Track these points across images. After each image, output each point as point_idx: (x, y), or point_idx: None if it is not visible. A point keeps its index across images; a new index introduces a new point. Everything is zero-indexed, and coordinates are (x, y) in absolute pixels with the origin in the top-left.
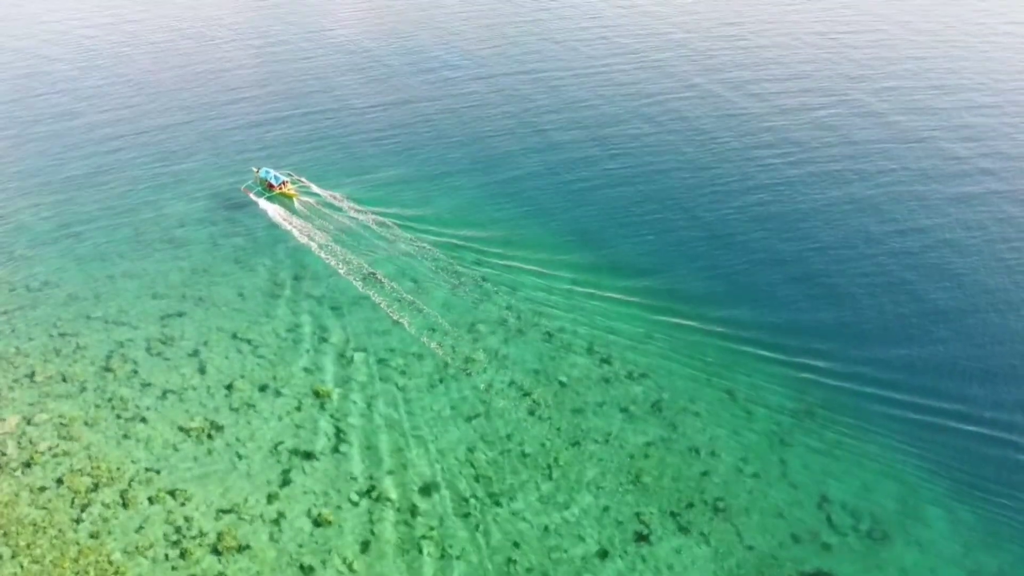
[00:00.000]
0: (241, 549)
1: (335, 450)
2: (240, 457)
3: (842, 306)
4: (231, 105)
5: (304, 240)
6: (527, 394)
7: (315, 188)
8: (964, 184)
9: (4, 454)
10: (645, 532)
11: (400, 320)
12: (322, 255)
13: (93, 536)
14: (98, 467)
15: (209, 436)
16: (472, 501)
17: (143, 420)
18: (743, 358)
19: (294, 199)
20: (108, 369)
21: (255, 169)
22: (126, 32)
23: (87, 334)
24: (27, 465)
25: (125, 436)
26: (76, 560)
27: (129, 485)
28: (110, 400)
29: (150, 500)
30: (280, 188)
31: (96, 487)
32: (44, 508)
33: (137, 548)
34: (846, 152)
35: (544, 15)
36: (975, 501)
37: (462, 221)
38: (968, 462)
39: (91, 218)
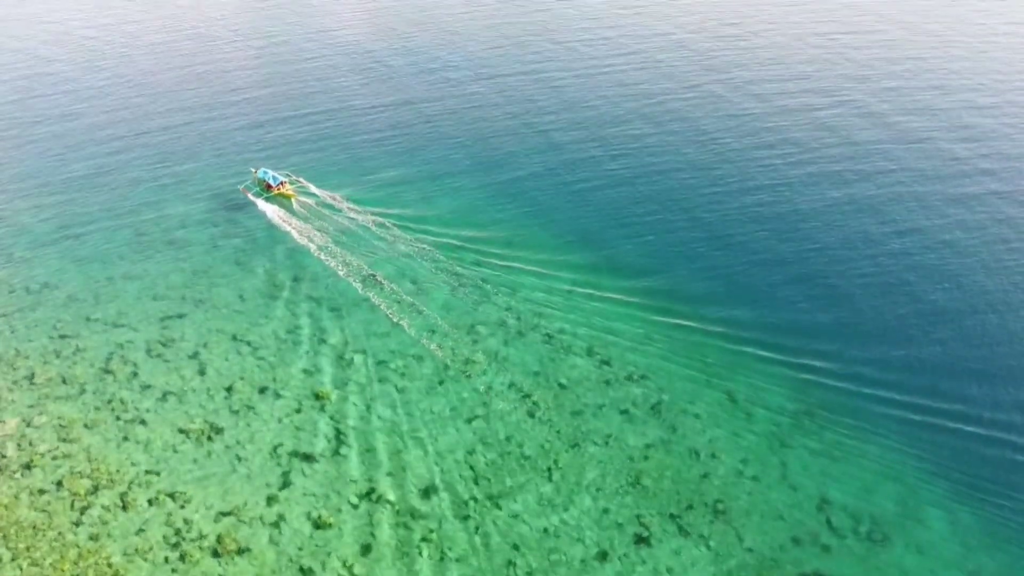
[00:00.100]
0: (241, 551)
1: (335, 452)
2: (240, 459)
3: (842, 307)
4: (231, 106)
5: (303, 241)
6: (527, 396)
7: (313, 188)
8: (964, 185)
9: (4, 456)
10: (645, 534)
11: (400, 322)
12: (321, 256)
13: (93, 538)
14: (98, 469)
15: (209, 438)
16: (472, 503)
17: (143, 422)
18: (743, 359)
19: (292, 199)
20: (108, 371)
21: (253, 169)
22: (126, 32)
23: (87, 336)
24: (27, 467)
25: (125, 438)
26: (76, 563)
27: (129, 487)
28: (110, 402)
29: (150, 502)
30: (278, 188)
31: (96, 489)
32: (44, 510)
33: (137, 550)
34: (846, 153)
35: (544, 15)
36: (974, 502)
37: (462, 222)
38: (967, 463)
39: (91, 219)
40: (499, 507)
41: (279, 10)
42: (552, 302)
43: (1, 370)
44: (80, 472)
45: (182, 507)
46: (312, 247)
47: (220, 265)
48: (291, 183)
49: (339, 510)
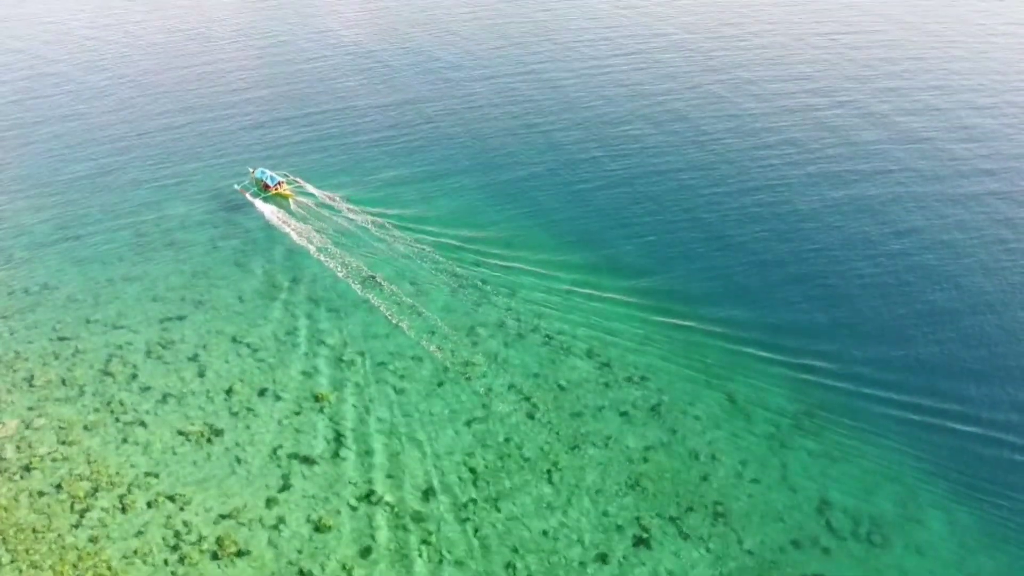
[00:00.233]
0: (240, 554)
1: (334, 454)
2: (239, 461)
3: (842, 307)
4: (231, 106)
5: (302, 242)
6: (526, 398)
7: (311, 188)
8: (963, 185)
9: (3, 458)
10: (645, 536)
11: (399, 323)
12: (320, 257)
13: (92, 541)
14: (97, 471)
15: (208, 440)
16: (471, 505)
17: (142, 424)
18: (743, 359)
19: (290, 199)
20: (107, 373)
21: (251, 169)
22: (127, 32)
23: (86, 338)
24: (26, 469)
25: (124, 440)
26: (75, 565)
27: (128, 490)
28: (109, 404)
29: (149, 505)
30: (276, 188)
31: (95, 491)
32: (43, 513)
33: (136, 552)
34: (846, 153)
35: (544, 15)
36: (973, 502)
37: (461, 222)
38: (966, 463)
39: (91, 220)
40: (498, 509)
41: (279, 10)
42: (552, 303)
43: (0, 372)
44: (79, 474)
45: (181, 509)
46: (311, 248)
47: (219, 266)
48: (288, 183)
49: (338, 512)
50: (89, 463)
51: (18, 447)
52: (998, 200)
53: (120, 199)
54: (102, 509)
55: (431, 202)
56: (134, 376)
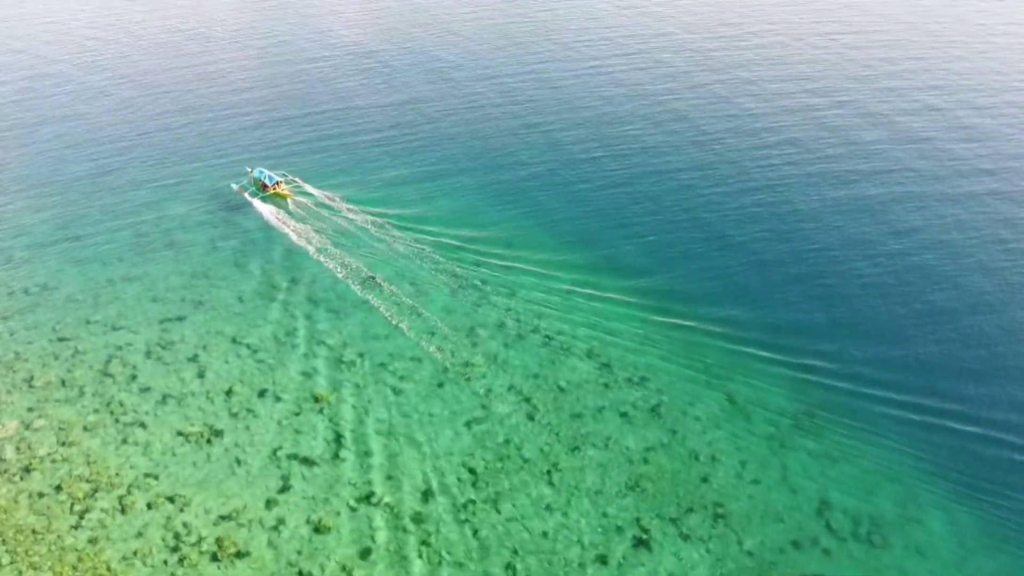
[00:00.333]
0: (240, 555)
1: (334, 455)
2: (239, 462)
3: (841, 307)
4: (231, 106)
5: (302, 243)
6: (526, 399)
7: (310, 188)
8: (963, 185)
9: (3, 459)
10: (644, 537)
11: (399, 324)
12: (320, 258)
13: (92, 542)
14: (97, 472)
15: (208, 441)
16: (470, 507)
17: (142, 425)
18: (743, 359)
19: (288, 199)
20: (107, 374)
21: (249, 169)
22: (127, 32)
23: (86, 338)
24: (26, 471)
25: (124, 441)
26: (75, 566)
27: (128, 491)
28: (109, 405)
29: (149, 506)
30: (274, 188)
31: (95, 493)
32: (43, 514)
33: (136, 554)
34: (846, 152)
35: (544, 15)
36: (973, 502)
37: (461, 222)
38: (966, 462)
39: (91, 220)
40: (498, 510)
41: (279, 10)
42: (552, 303)
43: (0, 372)
44: (79, 475)
45: (181, 510)
46: (310, 248)
47: (219, 267)
48: (287, 183)
49: (338, 513)
50: (89, 464)
51: (18, 448)
52: (998, 200)
53: (120, 199)
54: (102, 510)
55: (431, 202)
56: (134, 377)
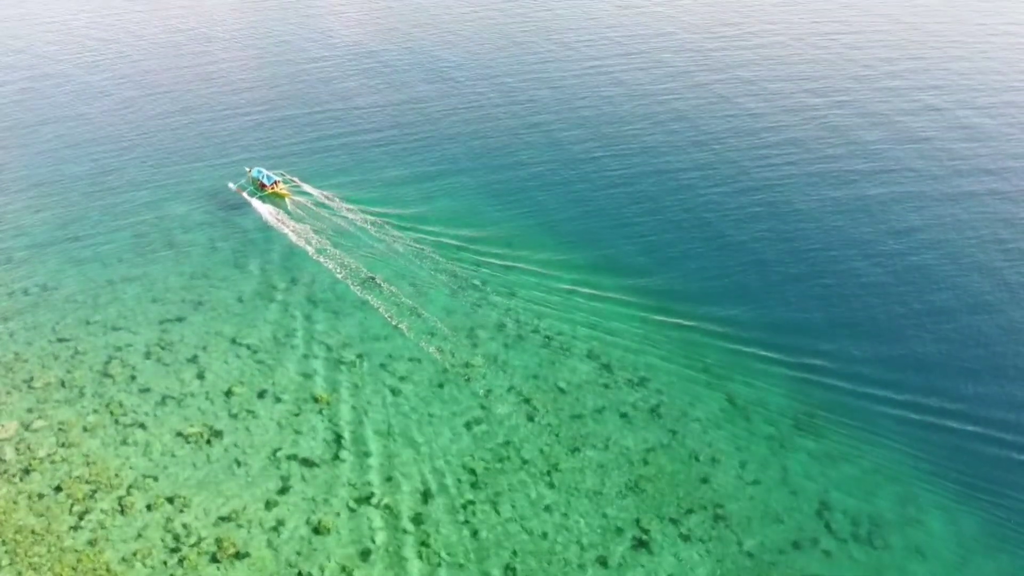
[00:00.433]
0: (240, 556)
1: (334, 456)
2: (239, 463)
3: (841, 307)
4: (231, 106)
5: (301, 243)
6: (526, 399)
7: (308, 188)
8: (962, 185)
9: (3, 460)
10: (644, 538)
11: (398, 325)
12: (319, 258)
13: (91, 543)
14: (96, 473)
15: (208, 442)
16: (470, 507)
17: (142, 426)
18: (743, 360)
19: (286, 199)
20: (107, 374)
21: (248, 169)
22: (127, 32)
23: (86, 339)
24: (25, 471)
25: (124, 442)
26: (74, 567)
27: (128, 491)
28: (108, 406)
29: (148, 507)
30: (272, 188)
31: (94, 493)
32: (42, 515)
33: (135, 555)
34: (846, 152)
35: (545, 15)
36: (973, 502)
37: (461, 222)
38: (966, 462)
39: (91, 221)
40: (497, 511)
41: (279, 10)
42: (551, 303)
43: (0, 373)
44: (79, 476)
45: (181, 511)
46: (310, 249)
47: (219, 267)
48: (285, 182)
49: (337, 514)
50: (88, 465)
51: (17, 449)
52: (997, 200)
53: (120, 199)
54: (101, 511)
55: (430, 202)
56: (133, 377)
